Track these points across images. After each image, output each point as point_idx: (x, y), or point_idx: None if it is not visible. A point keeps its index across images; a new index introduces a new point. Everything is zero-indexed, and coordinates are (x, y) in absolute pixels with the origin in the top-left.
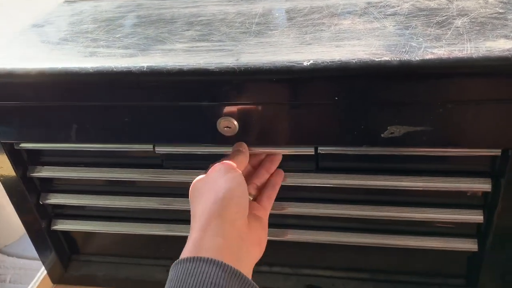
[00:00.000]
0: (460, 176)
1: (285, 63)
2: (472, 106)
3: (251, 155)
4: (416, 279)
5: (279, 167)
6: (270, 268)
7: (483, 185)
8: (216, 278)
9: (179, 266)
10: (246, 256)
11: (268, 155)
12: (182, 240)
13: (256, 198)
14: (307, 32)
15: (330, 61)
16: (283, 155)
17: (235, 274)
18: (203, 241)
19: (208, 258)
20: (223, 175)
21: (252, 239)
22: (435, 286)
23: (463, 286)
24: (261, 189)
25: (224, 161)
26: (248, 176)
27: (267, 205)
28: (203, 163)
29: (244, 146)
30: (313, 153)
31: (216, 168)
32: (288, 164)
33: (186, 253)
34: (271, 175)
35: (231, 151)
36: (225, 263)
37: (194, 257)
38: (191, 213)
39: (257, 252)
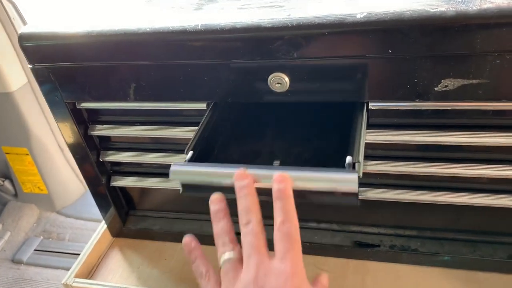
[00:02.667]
0: None
1: (338, 16)
2: None
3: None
4: (464, 236)
5: None
6: (317, 225)
7: None
8: None
9: None
10: None
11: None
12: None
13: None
14: None
15: (383, 13)
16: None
17: None
18: None
19: None
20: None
21: None
22: (484, 244)
23: None
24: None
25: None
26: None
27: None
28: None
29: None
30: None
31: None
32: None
33: None
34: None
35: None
36: None
37: None
38: None
39: None
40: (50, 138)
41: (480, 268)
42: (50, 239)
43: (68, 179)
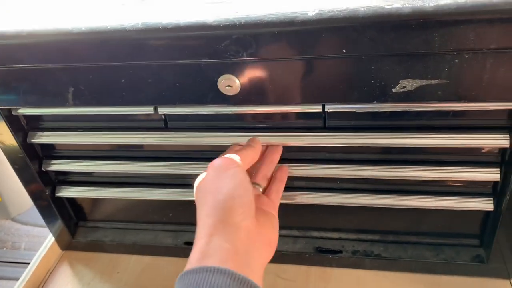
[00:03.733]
0: (476, 132)
1: (289, 13)
2: (490, 55)
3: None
4: (427, 240)
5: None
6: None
7: (500, 141)
8: None
9: (185, 278)
10: (257, 258)
11: (269, 146)
12: (190, 205)
13: (265, 191)
14: None
15: (337, 10)
16: (290, 113)
17: (245, 282)
18: (208, 248)
19: (215, 268)
20: (222, 173)
21: (261, 239)
22: (447, 247)
23: (476, 246)
24: (269, 181)
25: (224, 156)
26: (253, 168)
27: (276, 199)
28: (209, 123)
29: (256, 142)
30: (321, 110)
31: (215, 165)
32: (295, 123)
33: (192, 262)
34: (276, 170)
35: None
36: (233, 272)
37: (200, 267)
38: (197, 217)
39: (267, 252)
40: None
41: (444, 272)
42: (5, 249)
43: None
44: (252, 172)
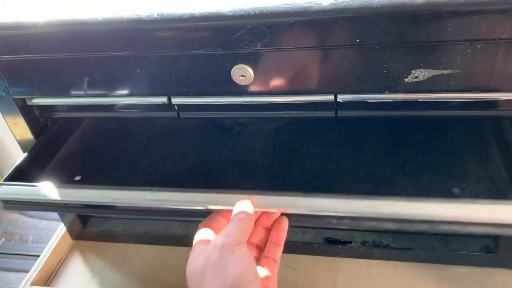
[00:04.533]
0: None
1: (303, 3)
2: (503, 45)
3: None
4: None
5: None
6: None
7: None
8: None
9: None
10: None
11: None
12: None
13: (259, 261)
14: None
15: (351, 0)
16: (302, 102)
17: None
18: None
19: None
20: (228, 255)
21: None
22: (456, 237)
23: (485, 236)
24: (261, 248)
25: (226, 233)
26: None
27: (275, 268)
28: (221, 114)
29: (248, 208)
30: (333, 100)
31: (218, 244)
32: (306, 113)
33: None
34: (272, 229)
35: (233, 213)
36: None
37: None
38: None
39: None
40: (9, 135)
41: (453, 262)
42: (13, 241)
43: None
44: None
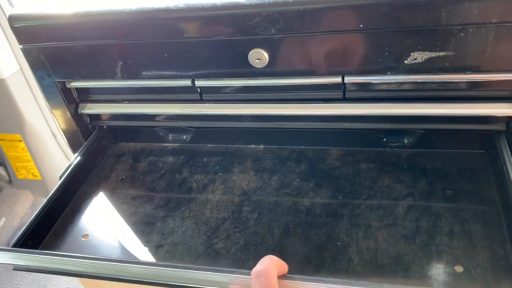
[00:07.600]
0: (484, 101)
1: None
2: (492, 29)
3: None
4: None
5: None
6: None
7: (506, 110)
8: None
9: None
10: None
11: None
12: None
13: None
14: None
15: None
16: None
17: None
18: None
19: None
20: None
21: None
22: None
23: None
24: None
25: None
26: None
27: None
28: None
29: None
30: (341, 82)
31: None
32: (316, 94)
33: None
34: None
35: None
36: None
37: None
38: None
39: None
40: (43, 124)
41: None
42: None
43: (62, 164)
44: None
